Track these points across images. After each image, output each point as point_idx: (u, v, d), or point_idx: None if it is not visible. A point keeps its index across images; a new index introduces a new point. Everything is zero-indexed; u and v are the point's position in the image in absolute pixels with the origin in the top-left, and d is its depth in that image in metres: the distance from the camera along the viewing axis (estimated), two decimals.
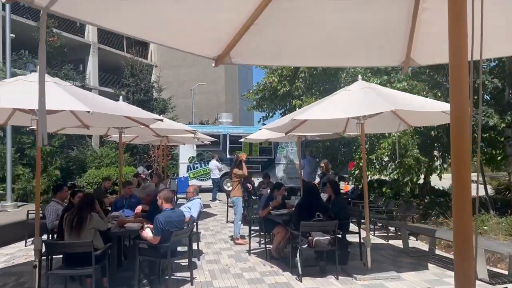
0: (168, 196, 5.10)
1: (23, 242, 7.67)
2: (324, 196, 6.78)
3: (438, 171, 11.43)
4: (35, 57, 16.67)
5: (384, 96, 5.49)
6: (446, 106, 5.67)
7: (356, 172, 10.78)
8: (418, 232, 7.70)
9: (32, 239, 4.67)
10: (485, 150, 9.89)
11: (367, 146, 9.65)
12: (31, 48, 18.45)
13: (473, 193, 1.21)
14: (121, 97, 7.70)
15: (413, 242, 7.62)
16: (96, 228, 4.77)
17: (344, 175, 15.87)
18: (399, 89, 8.39)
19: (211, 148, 16.77)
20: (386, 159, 10.15)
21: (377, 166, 10.58)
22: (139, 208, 6.11)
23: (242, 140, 13.52)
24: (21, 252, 7.19)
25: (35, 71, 5.07)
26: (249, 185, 10.24)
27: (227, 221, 10.12)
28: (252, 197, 9.74)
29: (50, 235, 5.99)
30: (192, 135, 9.62)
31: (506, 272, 5.66)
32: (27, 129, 6.69)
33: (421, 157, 9.51)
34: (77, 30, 28.16)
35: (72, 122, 6.33)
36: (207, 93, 39.61)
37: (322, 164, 11.08)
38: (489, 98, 9.63)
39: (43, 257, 4.83)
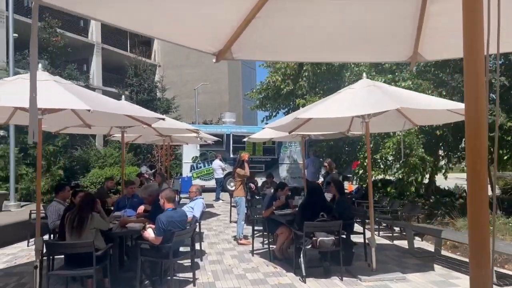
0: (170, 196, 5.04)
1: (26, 242, 7.65)
2: (328, 196, 6.71)
3: (444, 171, 11.32)
4: (39, 57, 16.71)
5: (390, 94, 5.41)
6: (452, 104, 5.59)
7: (360, 171, 10.69)
8: (423, 233, 7.60)
9: (34, 239, 4.63)
10: (491, 149, 9.76)
11: (371, 145, 9.56)
12: None
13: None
14: (123, 96, 7.66)
15: (418, 243, 7.52)
16: (97, 228, 4.72)
17: (348, 175, 15.79)
18: (403, 88, 8.30)
19: (214, 148, 16.73)
20: (390, 158, 10.05)
21: (382, 166, 10.50)
22: (141, 208, 6.06)
23: (245, 139, 13.46)
24: (23, 252, 7.16)
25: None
26: (252, 185, 10.17)
27: (231, 221, 10.06)
28: (256, 197, 9.68)
29: (52, 235, 5.95)
30: (195, 134, 9.57)
31: None
32: None
33: (426, 157, 9.41)
34: (81, 30, 28.25)
35: (74, 121, 6.29)
36: (211, 93, 39.62)
37: (326, 164, 11.01)
38: (494, 97, 9.50)
39: (45, 257, 4.78)
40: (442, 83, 9.39)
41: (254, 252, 6.88)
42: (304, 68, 13.14)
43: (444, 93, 9.05)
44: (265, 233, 7.23)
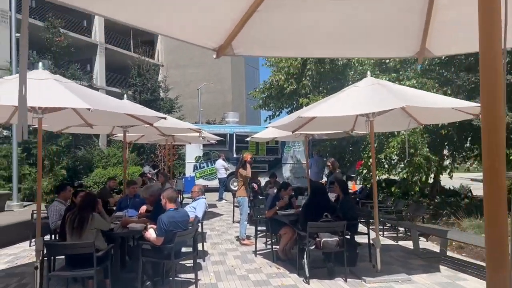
0: (171, 196, 4.98)
1: (28, 242, 7.61)
2: (332, 196, 6.63)
3: (449, 170, 11.20)
4: (42, 57, 16.72)
5: (394, 92, 5.32)
6: (458, 102, 5.50)
7: (364, 171, 10.60)
8: (428, 233, 7.50)
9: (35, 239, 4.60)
10: None
11: (375, 145, 9.46)
12: (38, 48, 18.53)
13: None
14: (125, 96, 7.60)
15: (423, 243, 7.43)
16: (98, 229, 4.67)
17: (352, 175, 15.69)
18: (408, 87, 8.20)
19: (217, 148, 16.67)
20: (395, 158, 9.95)
21: (386, 166, 10.40)
22: (143, 208, 6.01)
23: (248, 139, 13.40)
24: (25, 253, 7.13)
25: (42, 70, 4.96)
26: (255, 185, 10.11)
27: (233, 221, 10.00)
28: (259, 197, 9.61)
29: (53, 236, 5.91)
30: (198, 134, 9.51)
31: None
32: (31, 128, 6.64)
33: (431, 156, 9.30)
34: (84, 30, 28.31)
35: (75, 120, 6.25)
36: (214, 93, 39.57)
37: (329, 163, 10.92)
38: None
39: (46, 258, 4.74)
40: (447, 82, 9.29)
41: (257, 252, 6.81)
42: (308, 67, 13.04)
43: (449, 92, 8.94)
44: (268, 234, 7.16)
